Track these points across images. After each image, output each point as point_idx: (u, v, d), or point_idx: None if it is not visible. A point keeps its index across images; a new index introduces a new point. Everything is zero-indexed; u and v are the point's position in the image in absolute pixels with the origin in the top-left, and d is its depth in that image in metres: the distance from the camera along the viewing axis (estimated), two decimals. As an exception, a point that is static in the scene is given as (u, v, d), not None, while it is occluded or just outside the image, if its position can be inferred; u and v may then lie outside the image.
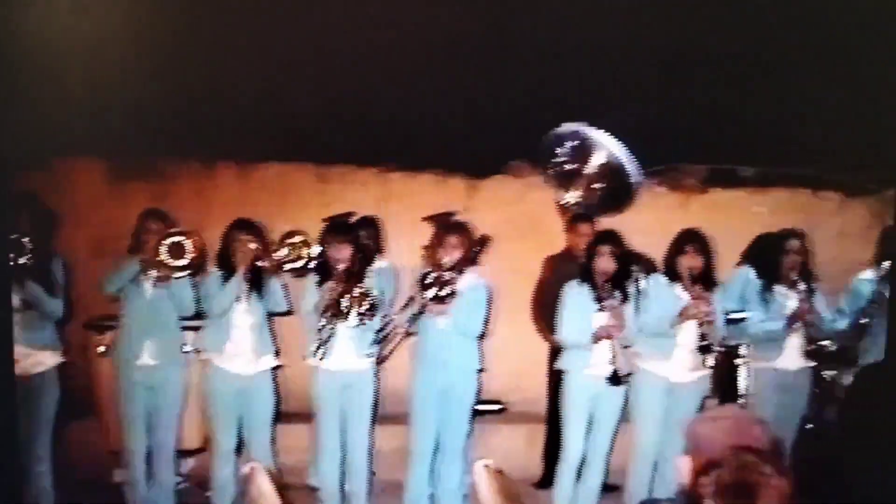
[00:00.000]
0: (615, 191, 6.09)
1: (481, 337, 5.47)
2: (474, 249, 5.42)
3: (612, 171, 6.01)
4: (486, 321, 5.47)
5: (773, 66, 6.06)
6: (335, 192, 6.68)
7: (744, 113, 6.24)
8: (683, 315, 5.16)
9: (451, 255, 5.25)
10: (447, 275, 5.21)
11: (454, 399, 5.37)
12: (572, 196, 6.07)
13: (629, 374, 5.24)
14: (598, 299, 5.20)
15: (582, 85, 5.93)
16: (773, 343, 5.48)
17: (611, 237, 5.37)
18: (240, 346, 5.23)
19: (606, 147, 5.95)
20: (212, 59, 5.39)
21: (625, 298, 5.26)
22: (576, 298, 5.27)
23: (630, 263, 5.39)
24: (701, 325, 5.14)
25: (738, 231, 6.15)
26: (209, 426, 5.37)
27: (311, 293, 5.33)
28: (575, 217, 6.03)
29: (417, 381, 5.34)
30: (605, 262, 5.22)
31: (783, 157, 6.85)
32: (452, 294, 5.21)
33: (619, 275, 5.27)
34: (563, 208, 6.13)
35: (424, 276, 5.25)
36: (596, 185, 6.06)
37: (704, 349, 5.16)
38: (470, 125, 6.01)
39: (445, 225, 5.44)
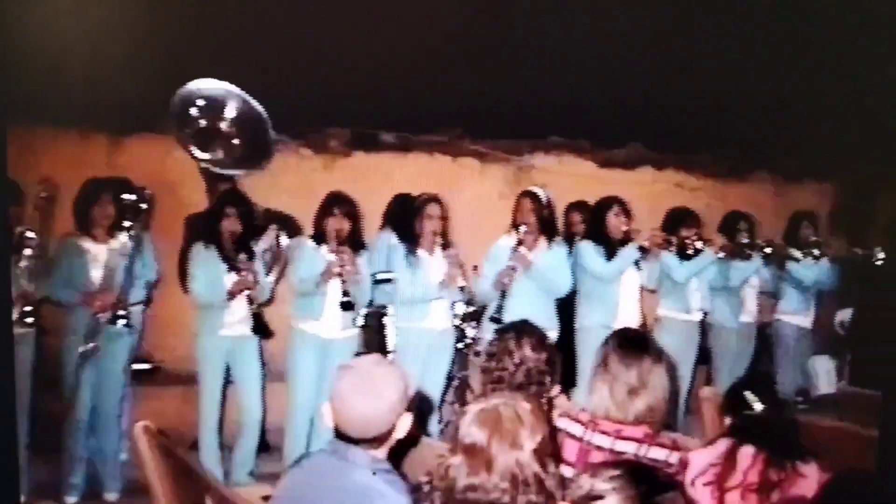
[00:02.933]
0: (253, 146, 6.19)
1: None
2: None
3: (247, 125, 6.10)
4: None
5: (415, 36, 6.48)
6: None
7: (387, 79, 6.59)
8: (327, 273, 5.49)
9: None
10: None
11: (106, 362, 5.35)
12: (211, 155, 6.03)
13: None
14: (227, 259, 5.44)
15: (227, 43, 6.06)
16: (420, 304, 5.82)
17: (236, 198, 5.63)
18: None
19: (239, 101, 6.05)
20: None
21: (251, 257, 5.52)
22: (204, 259, 5.47)
23: (256, 222, 5.73)
24: (344, 282, 5.48)
25: (381, 195, 6.53)
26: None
27: None
28: (213, 177, 6.11)
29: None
30: (232, 223, 5.47)
31: (424, 124, 7.43)
32: None
33: (246, 234, 5.55)
34: (204, 169, 6.14)
35: None
36: (235, 142, 6.11)
37: (346, 306, 5.50)
38: (115, 80, 5.86)
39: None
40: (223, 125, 6.08)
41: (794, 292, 6.91)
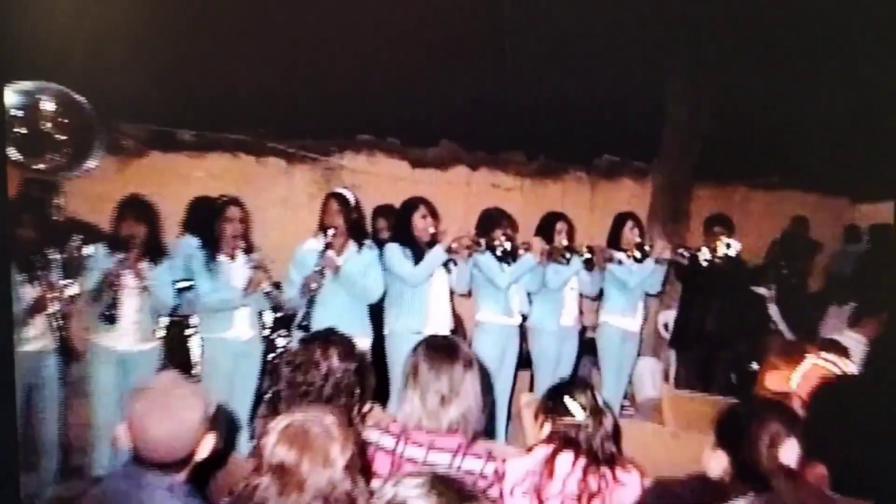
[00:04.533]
0: (78, 140, 6.13)
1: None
2: None
3: (70, 121, 6.04)
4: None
5: (214, 27, 6.50)
6: None
7: (184, 73, 6.53)
8: (107, 283, 5.44)
9: None
10: None
11: None
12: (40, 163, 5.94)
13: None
14: (23, 269, 5.36)
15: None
16: (223, 313, 5.77)
17: (30, 203, 5.64)
18: None
19: (57, 96, 5.97)
20: None
21: (47, 267, 5.45)
22: None
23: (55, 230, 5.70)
24: (115, 292, 5.48)
25: (179, 197, 6.41)
26: None
27: None
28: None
29: None
30: (26, 231, 5.40)
31: (225, 122, 7.31)
32: None
33: (43, 242, 5.50)
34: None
35: None
36: (61, 139, 6.02)
37: (106, 318, 5.48)
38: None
39: None
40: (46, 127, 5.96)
41: (619, 294, 6.91)
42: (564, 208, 7.01)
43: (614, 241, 6.96)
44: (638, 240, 6.88)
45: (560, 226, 6.69)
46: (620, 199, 8.42)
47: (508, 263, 6.36)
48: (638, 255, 6.74)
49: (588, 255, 6.64)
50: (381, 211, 6.81)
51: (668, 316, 7.88)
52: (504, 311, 6.50)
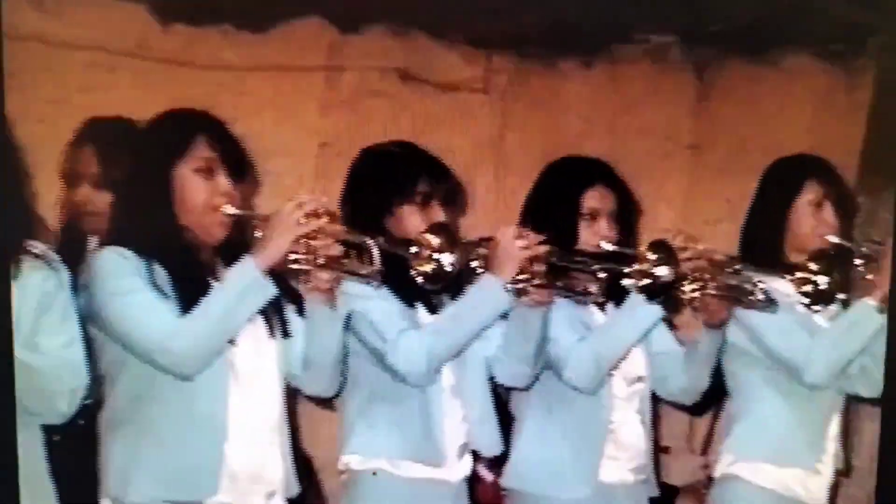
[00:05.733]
0: None
1: None
2: None
3: None
4: None
5: None
6: None
7: None
8: None
9: None
10: None
11: None
12: None
13: None
14: None
15: None
16: None
17: None
18: None
19: None
20: None
21: None
22: None
23: None
24: None
25: None
26: None
27: None
28: None
29: None
30: None
31: None
32: None
33: None
34: None
35: None
36: None
37: None
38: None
39: None
40: None
41: (773, 397, 5.80)
42: (613, 155, 5.88)
43: (761, 239, 5.76)
44: (834, 238, 5.60)
45: (596, 195, 5.61)
46: (780, 119, 7.41)
47: (435, 308, 5.33)
48: (824, 280, 5.40)
49: (667, 275, 5.17)
50: (84, 148, 5.65)
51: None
52: (422, 442, 5.44)
